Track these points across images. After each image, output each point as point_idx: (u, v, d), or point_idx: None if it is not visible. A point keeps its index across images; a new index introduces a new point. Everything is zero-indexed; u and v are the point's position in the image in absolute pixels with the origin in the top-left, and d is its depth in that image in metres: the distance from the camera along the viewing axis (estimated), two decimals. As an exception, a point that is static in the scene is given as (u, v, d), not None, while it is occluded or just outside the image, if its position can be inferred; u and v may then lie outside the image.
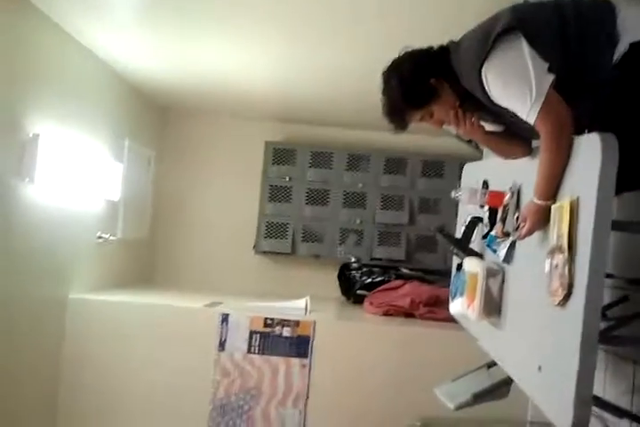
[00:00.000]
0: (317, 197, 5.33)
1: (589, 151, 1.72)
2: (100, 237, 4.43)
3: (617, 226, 1.86)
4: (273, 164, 5.38)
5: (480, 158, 3.13)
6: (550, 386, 1.84)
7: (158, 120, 5.64)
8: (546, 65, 1.90)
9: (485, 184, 2.68)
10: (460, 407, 3.05)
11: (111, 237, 4.53)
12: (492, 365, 3.12)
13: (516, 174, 2.32)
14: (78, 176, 3.99)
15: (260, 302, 4.52)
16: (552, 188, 1.91)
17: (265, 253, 5.42)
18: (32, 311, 3.74)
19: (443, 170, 5.23)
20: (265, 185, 5.38)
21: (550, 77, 1.88)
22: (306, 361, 4.12)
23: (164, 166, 5.56)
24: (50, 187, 3.67)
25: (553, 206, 1.90)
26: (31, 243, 3.62)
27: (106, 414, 4.16)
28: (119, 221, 4.73)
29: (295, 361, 4.12)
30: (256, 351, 4.13)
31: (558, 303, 1.79)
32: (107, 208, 4.54)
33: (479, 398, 3.00)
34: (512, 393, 3.09)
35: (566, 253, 1.77)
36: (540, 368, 1.93)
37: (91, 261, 4.42)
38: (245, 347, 4.13)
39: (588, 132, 1.83)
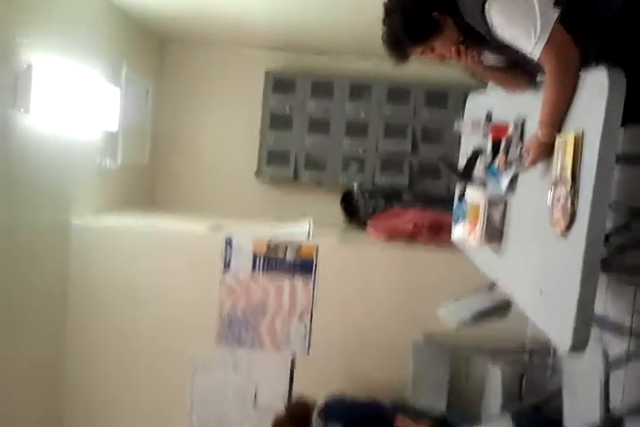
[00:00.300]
0: (319, 127, 5.35)
1: (596, 86, 1.75)
2: (99, 165, 4.47)
3: (621, 159, 1.91)
4: (273, 93, 5.37)
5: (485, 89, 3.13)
6: (551, 309, 1.94)
7: (156, 51, 5.59)
8: None
9: (489, 116, 2.72)
10: (460, 327, 3.20)
11: (111, 165, 4.57)
12: (493, 286, 3.24)
13: (521, 107, 2.35)
14: (75, 106, 3.99)
15: (263, 225, 4.62)
16: (556, 122, 1.95)
17: (267, 179, 5.48)
18: (35, 238, 3.81)
19: (446, 100, 5.22)
20: (266, 114, 5.39)
21: (556, 12, 1.86)
22: (310, 281, 4.25)
23: (163, 97, 5.54)
24: (46, 117, 3.69)
25: (557, 140, 1.95)
26: (31, 172, 3.66)
27: (115, 335, 4.34)
28: (118, 149, 4.76)
29: (299, 280, 4.26)
30: (260, 271, 4.26)
31: (560, 233, 1.87)
32: (105, 138, 4.57)
33: (480, 317, 3.15)
34: (512, 312, 3.23)
35: (569, 185, 1.83)
36: (541, 292, 2.02)
37: (91, 187, 4.48)
38: (250, 267, 4.26)
39: (595, 66, 1.84)
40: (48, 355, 4.17)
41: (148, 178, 5.54)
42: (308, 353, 4.30)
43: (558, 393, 2.86)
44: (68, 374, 4.36)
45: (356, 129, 5.34)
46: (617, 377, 2.70)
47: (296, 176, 5.40)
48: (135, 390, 4.39)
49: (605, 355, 2.41)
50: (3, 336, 3.58)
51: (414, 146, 5.28)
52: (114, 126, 4.63)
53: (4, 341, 3.60)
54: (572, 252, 1.79)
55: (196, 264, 4.30)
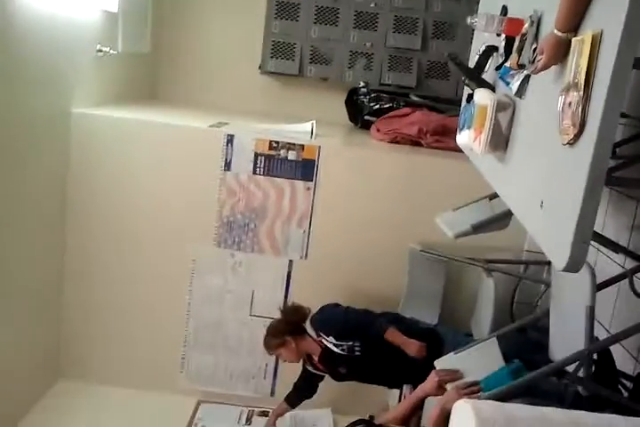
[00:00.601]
0: (326, 16, 5.05)
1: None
2: (99, 51, 4.27)
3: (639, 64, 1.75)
4: (280, -23, 5.05)
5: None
6: (550, 222, 1.86)
7: None
8: None
9: (504, 10, 2.53)
10: (459, 236, 3.13)
11: (111, 51, 4.37)
12: (493, 196, 3.15)
13: (539, 2, 2.17)
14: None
15: (266, 124, 4.47)
16: (575, 18, 1.78)
17: (271, 73, 5.26)
18: (35, 126, 3.70)
19: (462, -10, 4.90)
20: (271, 1, 5.09)
21: None
22: (310, 184, 4.16)
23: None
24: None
25: (573, 39, 1.79)
26: (29, 55, 3.50)
27: (113, 229, 4.29)
28: (119, 33, 4.52)
29: (300, 183, 4.17)
30: (261, 173, 4.16)
31: (568, 142, 1.75)
32: (105, 20, 4.33)
33: (479, 228, 3.07)
34: (511, 223, 3.16)
35: (582, 91, 1.69)
36: (542, 204, 1.93)
37: (92, 75, 4.30)
38: (251, 168, 4.15)
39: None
40: (47, 247, 4.15)
41: (150, 67, 5.32)
42: (305, 258, 4.27)
43: (545, 313, 2.82)
44: (67, 271, 4.35)
45: (366, 21, 5.03)
46: (608, 297, 2.64)
47: (301, 71, 5.16)
48: (133, 290, 4.38)
49: (593, 278, 2.34)
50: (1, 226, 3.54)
51: (424, 42, 4.99)
52: (113, 5, 4.38)
53: (2, 231, 3.55)
54: (578, 162, 1.67)
55: (196, 161, 4.19)
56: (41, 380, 4.33)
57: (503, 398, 2.22)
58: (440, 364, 2.73)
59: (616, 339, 2.60)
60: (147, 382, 4.41)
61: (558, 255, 1.74)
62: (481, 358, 2.69)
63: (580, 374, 2.37)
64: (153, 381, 4.42)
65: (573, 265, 1.70)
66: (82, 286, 4.37)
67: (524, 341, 3.24)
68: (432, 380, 2.67)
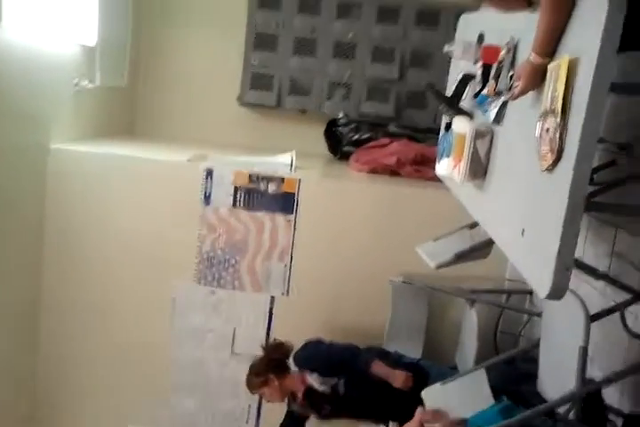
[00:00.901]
0: (305, 47, 5.03)
1: (595, 7, 1.57)
2: (76, 85, 4.24)
3: (616, 88, 1.74)
4: (258, 8, 5.04)
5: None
6: (532, 250, 1.83)
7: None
8: None
9: (481, 38, 2.53)
10: (440, 266, 3.08)
11: (89, 85, 4.34)
12: (474, 225, 3.12)
13: (515, 29, 2.17)
14: (51, 17, 3.77)
15: (245, 156, 4.44)
16: (551, 43, 1.78)
17: (250, 105, 5.23)
18: (13, 160, 3.68)
19: (438, 20, 4.88)
20: (250, 33, 5.06)
21: None
22: (291, 217, 4.12)
23: (142, 10, 5.23)
24: (20, 27, 3.47)
25: (550, 65, 1.78)
26: (4, 87, 3.49)
27: (91, 267, 4.22)
28: (96, 67, 4.48)
29: (280, 217, 4.12)
30: (241, 206, 4.11)
31: (546, 168, 1.73)
32: (83, 54, 4.32)
33: (460, 257, 3.03)
34: (492, 253, 3.13)
35: (559, 117, 1.68)
36: (522, 232, 1.91)
37: (70, 109, 4.27)
38: (230, 201, 4.10)
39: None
40: (22, 286, 4.08)
41: (128, 101, 5.28)
42: (287, 294, 4.20)
43: (535, 345, 2.78)
44: (43, 317, 4.29)
45: (344, 51, 5.02)
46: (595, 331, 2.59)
47: (279, 102, 5.14)
48: (111, 330, 4.31)
49: (587, 316, 2.30)
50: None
51: (402, 72, 4.98)
52: (91, 40, 4.36)
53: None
54: (557, 188, 1.66)
55: (176, 196, 4.14)
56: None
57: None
58: (427, 394, 2.66)
59: (609, 380, 2.54)
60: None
61: (541, 283, 1.71)
62: (469, 390, 2.63)
63: (571, 415, 2.32)
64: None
65: (556, 292, 1.67)
66: (58, 335, 4.30)
67: (512, 372, 3.19)
68: (416, 421, 2.61)
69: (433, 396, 2.62)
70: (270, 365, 3.64)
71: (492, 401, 2.56)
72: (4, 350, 3.92)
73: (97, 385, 4.36)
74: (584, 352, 2.28)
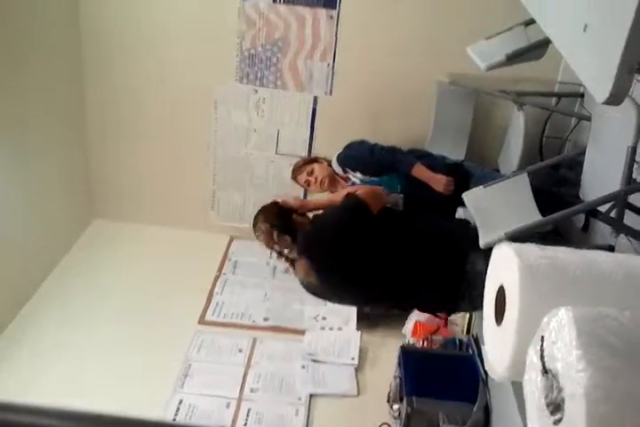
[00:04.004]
0: None
1: None
2: None
3: None
4: None
5: None
6: (593, 49, 1.69)
7: None
8: None
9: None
10: (491, 68, 2.95)
11: None
12: (530, 22, 2.92)
13: None
14: None
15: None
16: None
17: None
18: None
19: None
20: None
21: None
22: (333, 12, 3.91)
23: None
24: None
25: None
26: None
27: (136, 74, 4.18)
28: None
29: (322, 12, 3.91)
30: (281, 1, 3.91)
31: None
32: None
33: (513, 57, 2.88)
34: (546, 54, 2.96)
35: None
36: (585, 28, 1.76)
37: None
38: (270, -5, 3.90)
39: None
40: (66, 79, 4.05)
41: None
42: (330, 94, 4.10)
43: (581, 152, 2.71)
44: (89, 110, 4.30)
45: None
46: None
47: None
48: (158, 129, 4.35)
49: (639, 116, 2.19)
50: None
51: None
52: None
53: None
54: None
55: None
56: (77, 220, 4.44)
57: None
58: (468, 197, 2.66)
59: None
60: (179, 219, 4.47)
61: (600, 86, 1.60)
62: (511, 193, 2.62)
63: (613, 214, 2.31)
64: (185, 219, 4.49)
65: (616, 97, 1.56)
66: (107, 129, 4.35)
67: (554, 175, 3.16)
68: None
69: (474, 198, 2.62)
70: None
71: (533, 205, 2.56)
72: (57, 160, 4.04)
73: (151, 185, 4.52)
74: (632, 152, 2.22)
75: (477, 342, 3.14)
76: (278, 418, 3.17)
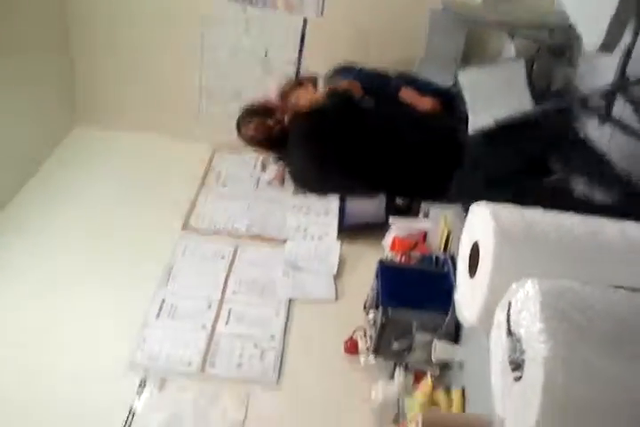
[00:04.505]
0: None
1: None
2: None
3: None
4: None
5: None
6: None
7: None
8: None
9: None
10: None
11: None
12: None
13: None
14: None
15: None
16: None
17: None
18: None
19: None
20: None
21: None
22: None
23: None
24: None
25: None
26: None
27: None
28: None
29: None
30: None
31: None
32: None
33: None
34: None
35: None
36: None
37: None
38: None
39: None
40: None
41: None
42: (321, 15, 4.00)
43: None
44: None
45: None
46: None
47: None
48: (144, 36, 4.25)
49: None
50: None
51: None
52: None
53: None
54: None
55: None
56: (58, 126, 4.41)
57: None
58: (463, 75, 2.61)
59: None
60: (162, 128, 4.44)
61: (592, 35, 1.63)
62: (505, 78, 2.58)
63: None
64: (169, 127, 4.45)
65: (607, 47, 1.60)
66: (93, 35, 4.26)
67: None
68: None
69: (468, 78, 2.58)
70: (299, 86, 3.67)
71: (527, 94, 2.53)
72: (40, 63, 3.96)
73: (135, 91, 4.46)
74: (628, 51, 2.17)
75: (453, 259, 3.25)
76: (258, 318, 3.33)
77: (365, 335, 3.10)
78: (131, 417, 2.76)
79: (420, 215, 3.73)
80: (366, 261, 3.63)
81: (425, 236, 3.51)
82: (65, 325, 3.17)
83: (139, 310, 3.27)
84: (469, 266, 1.38)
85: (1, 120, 3.69)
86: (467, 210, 1.88)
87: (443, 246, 3.36)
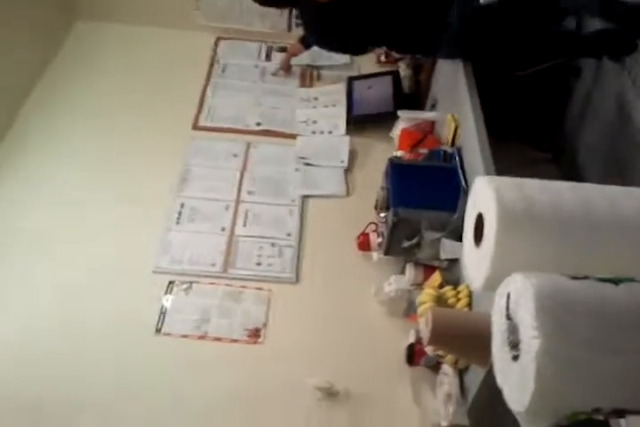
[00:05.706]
0: None
1: None
2: None
3: None
4: None
5: None
6: None
7: None
8: None
9: None
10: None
11: None
12: None
13: None
14: None
15: None
16: None
17: None
18: None
19: None
20: None
21: None
22: None
23: None
24: None
25: None
26: None
27: None
28: None
29: None
30: None
31: None
32: None
33: None
34: None
35: None
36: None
37: None
38: None
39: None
40: None
41: None
42: None
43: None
44: None
45: None
46: None
47: None
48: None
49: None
50: None
51: None
52: None
53: None
54: None
55: None
56: (58, 23, 4.30)
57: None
58: None
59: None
60: (164, 19, 4.34)
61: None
62: None
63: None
64: (170, 18, 4.35)
65: None
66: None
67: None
68: None
69: None
70: None
71: None
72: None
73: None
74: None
75: (460, 153, 3.31)
76: (274, 219, 3.44)
77: (377, 230, 3.23)
78: (162, 317, 2.96)
79: (427, 107, 3.75)
80: (376, 153, 3.71)
81: (432, 127, 3.55)
82: (88, 236, 3.24)
83: (159, 216, 3.34)
84: (475, 235, 1.47)
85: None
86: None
87: (451, 141, 3.39)
